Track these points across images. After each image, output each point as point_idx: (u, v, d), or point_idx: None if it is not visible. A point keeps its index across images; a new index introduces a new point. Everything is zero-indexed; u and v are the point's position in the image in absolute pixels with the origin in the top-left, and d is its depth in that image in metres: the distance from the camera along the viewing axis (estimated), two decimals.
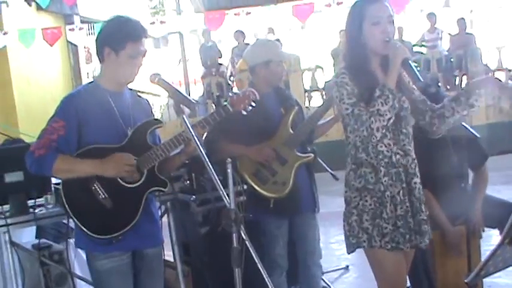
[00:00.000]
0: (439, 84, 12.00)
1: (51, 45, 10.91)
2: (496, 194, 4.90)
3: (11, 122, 10.62)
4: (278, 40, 13.06)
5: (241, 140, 4.21)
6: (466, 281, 2.60)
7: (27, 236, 4.75)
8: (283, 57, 4.48)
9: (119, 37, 3.09)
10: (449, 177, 4.32)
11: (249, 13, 11.71)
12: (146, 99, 3.46)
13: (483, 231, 4.35)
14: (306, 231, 4.41)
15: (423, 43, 13.11)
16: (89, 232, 3.07)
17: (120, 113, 3.17)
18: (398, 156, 3.16)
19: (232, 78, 13.58)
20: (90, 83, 3.30)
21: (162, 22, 12.55)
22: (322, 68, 14.06)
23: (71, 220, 3.12)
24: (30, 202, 4.05)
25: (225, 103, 3.23)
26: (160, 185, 3.24)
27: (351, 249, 3.27)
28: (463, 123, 4.29)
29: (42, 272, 4.30)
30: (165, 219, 4.45)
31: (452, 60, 12.54)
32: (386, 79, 3.05)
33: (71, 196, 3.10)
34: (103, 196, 3.09)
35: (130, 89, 3.33)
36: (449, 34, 13.45)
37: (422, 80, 3.08)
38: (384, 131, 3.06)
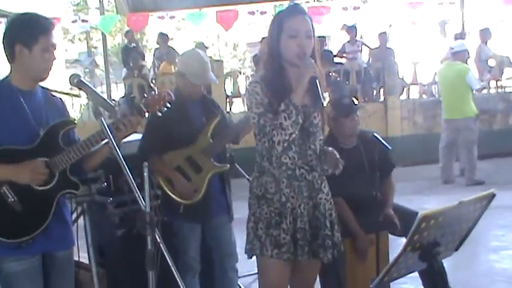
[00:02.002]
0: (355, 96, 12.33)
1: None
2: (407, 203, 5.06)
3: None
4: (202, 44, 13.13)
5: (166, 145, 4.24)
6: (371, 286, 2.72)
7: None
8: (210, 81, 4.50)
9: (30, 32, 3.01)
10: (362, 185, 4.47)
11: (173, 17, 11.70)
12: (60, 98, 3.38)
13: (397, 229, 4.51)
14: (221, 235, 4.47)
15: (344, 54, 13.37)
16: None
17: (32, 113, 3.08)
18: (302, 170, 3.21)
19: (154, 80, 13.46)
20: (1, 80, 3.17)
21: (84, 21, 12.36)
22: (244, 74, 14.17)
23: None
24: None
25: (139, 104, 3.21)
26: (72, 188, 3.19)
27: (249, 254, 3.33)
28: (375, 134, 4.46)
29: None
30: (80, 221, 4.41)
31: (370, 72, 12.85)
32: (292, 94, 3.08)
33: None
34: (12, 199, 2.99)
35: (43, 88, 3.25)
36: (369, 47, 13.79)
37: (323, 101, 3.15)
38: (285, 144, 3.11)
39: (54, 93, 3.35)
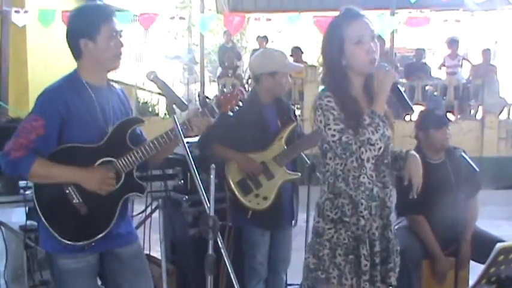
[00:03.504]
0: (451, 112, 11.97)
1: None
2: (494, 229, 4.87)
3: (22, 103, 10.64)
4: (299, 48, 13.11)
5: (235, 146, 4.20)
6: None
7: (17, 216, 4.72)
8: (290, 69, 4.39)
9: (91, 23, 2.96)
10: (445, 205, 4.28)
11: (270, 19, 11.76)
12: (121, 89, 3.30)
13: (468, 263, 4.33)
14: (282, 239, 4.44)
15: (443, 68, 13.04)
16: (60, 238, 2.92)
17: (101, 109, 3.02)
18: (377, 188, 2.95)
19: (249, 81, 13.58)
20: (70, 74, 3.08)
21: (181, 18, 12.59)
22: None
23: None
24: (22, 183, 3.88)
25: (211, 103, 3.13)
26: (137, 190, 3.13)
27: (312, 283, 3.00)
28: (463, 154, 4.24)
29: (26, 254, 4.22)
30: (155, 215, 4.46)
31: (470, 89, 12.46)
32: (375, 105, 2.84)
33: (43, 197, 2.94)
34: (77, 201, 2.94)
35: (109, 80, 3.19)
36: (470, 63, 13.37)
37: (412, 107, 2.95)
38: (374, 161, 2.87)
39: (116, 84, 3.27)
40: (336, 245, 2.92)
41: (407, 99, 2.94)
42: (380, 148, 2.80)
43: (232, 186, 4.22)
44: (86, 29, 2.96)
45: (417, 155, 3.09)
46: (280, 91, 4.32)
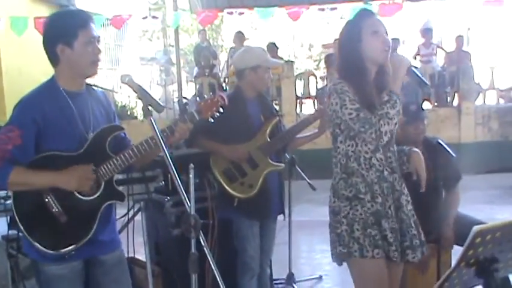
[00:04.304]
0: (428, 100, 12.05)
1: (41, 34, 10.75)
2: (477, 213, 4.95)
3: None
4: (274, 44, 13.12)
5: (221, 139, 4.31)
6: None
7: None
8: (271, 64, 4.57)
9: (67, 29, 2.93)
10: (424, 194, 4.32)
11: (242, 13, 11.78)
12: (103, 92, 3.27)
13: (452, 248, 4.37)
14: (267, 231, 4.55)
15: (417, 57, 13.11)
16: (39, 247, 2.90)
17: (80, 116, 2.99)
18: (386, 172, 3.20)
19: (227, 79, 13.55)
20: (47, 82, 3.04)
21: (154, 17, 12.55)
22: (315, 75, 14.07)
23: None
24: (2, 193, 3.86)
25: (191, 110, 3.12)
26: (117, 198, 3.10)
27: (340, 259, 3.26)
28: (439, 141, 4.30)
29: (9, 264, 4.18)
30: (137, 218, 4.46)
31: (445, 76, 12.55)
32: (392, 86, 3.12)
33: (22, 207, 2.92)
34: (56, 209, 2.92)
35: (87, 84, 3.14)
36: (444, 50, 13.47)
37: (428, 84, 3.16)
38: (389, 135, 3.10)
39: (95, 88, 3.24)
40: (353, 220, 3.15)
41: (423, 78, 3.26)
42: (395, 124, 3.10)
43: (218, 175, 4.33)
44: (63, 35, 2.93)
45: (419, 152, 3.36)
46: (262, 86, 4.51)
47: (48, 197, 2.91)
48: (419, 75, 3.23)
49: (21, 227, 2.90)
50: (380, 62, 3.17)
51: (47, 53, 3.00)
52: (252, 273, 4.42)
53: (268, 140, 4.41)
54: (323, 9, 11.56)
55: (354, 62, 3.18)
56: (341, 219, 3.18)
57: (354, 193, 3.17)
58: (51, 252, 2.91)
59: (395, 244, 3.16)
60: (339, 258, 3.26)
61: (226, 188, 4.31)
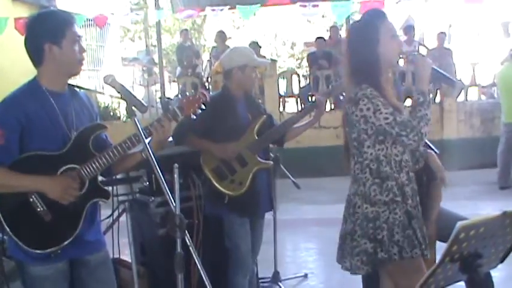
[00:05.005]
0: (410, 97, 12.09)
1: (22, 34, 10.69)
2: (461, 208, 4.93)
3: None
4: (256, 43, 13.13)
5: (209, 137, 4.36)
6: None
7: None
8: (258, 64, 4.66)
9: (56, 27, 2.95)
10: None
11: (222, 9, 11.83)
12: (85, 93, 3.28)
13: (435, 244, 4.40)
14: (255, 229, 4.59)
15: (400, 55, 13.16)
16: (25, 247, 2.89)
17: (64, 116, 3.00)
18: (411, 173, 3.28)
19: (209, 79, 13.54)
20: (29, 82, 3.05)
21: (137, 13, 12.53)
22: (298, 74, 14.12)
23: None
24: None
25: (173, 107, 3.13)
26: (102, 196, 3.11)
27: (373, 266, 3.23)
28: None
29: None
30: (122, 218, 4.46)
31: None
32: (421, 86, 3.14)
33: (6, 207, 2.91)
34: (41, 208, 2.91)
35: (69, 85, 3.15)
36: (426, 48, 13.55)
37: (455, 81, 3.23)
38: (427, 135, 3.15)
39: (77, 89, 3.24)
40: (393, 224, 3.17)
41: (449, 76, 3.34)
42: (430, 124, 3.12)
43: (208, 173, 4.37)
44: (51, 34, 2.95)
45: (433, 153, 3.52)
46: (249, 85, 4.58)
47: (33, 197, 2.90)
48: (445, 73, 3.28)
49: (6, 227, 2.88)
50: (394, 66, 3.24)
51: (30, 52, 3.01)
52: (246, 270, 4.46)
53: (256, 137, 4.46)
54: (305, 6, 11.57)
55: (372, 64, 3.18)
56: (381, 225, 3.17)
57: (390, 197, 3.18)
58: (37, 251, 2.91)
59: (425, 243, 3.25)
60: (374, 265, 3.23)
61: (217, 185, 4.35)
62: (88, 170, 2.99)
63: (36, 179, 2.90)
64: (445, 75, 3.31)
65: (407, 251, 3.16)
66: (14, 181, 2.89)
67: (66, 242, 2.95)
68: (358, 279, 3.99)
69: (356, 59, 3.24)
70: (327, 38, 13.66)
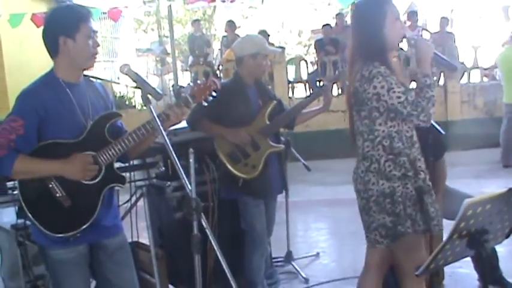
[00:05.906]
0: (415, 80, 12.15)
1: (38, 27, 10.62)
2: (466, 187, 5.06)
3: (2, 105, 10.69)
4: (265, 32, 13.25)
5: (222, 122, 4.49)
6: (416, 273, 2.69)
7: (8, 216, 4.75)
8: (270, 52, 4.75)
9: (71, 22, 3.02)
10: None
11: (233, 0, 11.90)
12: (100, 83, 3.35)
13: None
14: (268, 210, 4.72)
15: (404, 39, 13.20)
16: (45, 231, 3.00)
17: (80, 106, 3.08)
18: (420, 149, 3.37)
19: (220, 67, 13.66)
20: (46, 74, 3.13)
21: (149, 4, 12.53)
22: (306, 60, 14.20)
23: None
24: (10, 184, 3.94)
25: (185, 94, 3.21)
26: (118, 181, 3.17)
27: (395, 238, 3.30)
28: None
29: (19, 252, 4.26)
30: (140, 203, 4.57)
31: None
32: (424, 69, 3.20)
33: (28, 194, 3.01)
34: (60, 194, 3.01)
35: (85, 76, 3.22)
36: (429, 32, 13.58)
37: (455, 66, 3.27)
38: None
39: (93, 79, 3.31)
40: (405, 198, 3.24)
41: (450, 61, 3.40)
42: (435, 106, 3.18)
43: (223, 158, 4.51)
44: (66, 27, 3.02)
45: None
46: (260, 72, 4.68)
47: (52, 183, 3.00)
48: (446, 58, 3.34)
49: (28, 213, 3.00)
50: (397, 49, 3.29)
51: (46, 44, 3.10)
52: (263, 250, 4.59)
53: (267, 122, 4.59)
54: None
55: (378, 45, 3.23)
56: (397, 199, 3.23)
57: (403, 172, 3.24)
58: (57, 235, 3.01)
59: (437, 219, 3.31)
60: (393, 238, 3.29)
61: (231, 169, 4.49)
62: (104, 156, 3.08)
63: (53, 162, 2.99)
64: (446, 60, 3.37)
65: (420, 224, 3.23)
66: (35, 166, 2.98)
67: (84, 226, 3.05)
68: None
69: (364, 38, 3.28)
70: (333, 25, 13.77)
